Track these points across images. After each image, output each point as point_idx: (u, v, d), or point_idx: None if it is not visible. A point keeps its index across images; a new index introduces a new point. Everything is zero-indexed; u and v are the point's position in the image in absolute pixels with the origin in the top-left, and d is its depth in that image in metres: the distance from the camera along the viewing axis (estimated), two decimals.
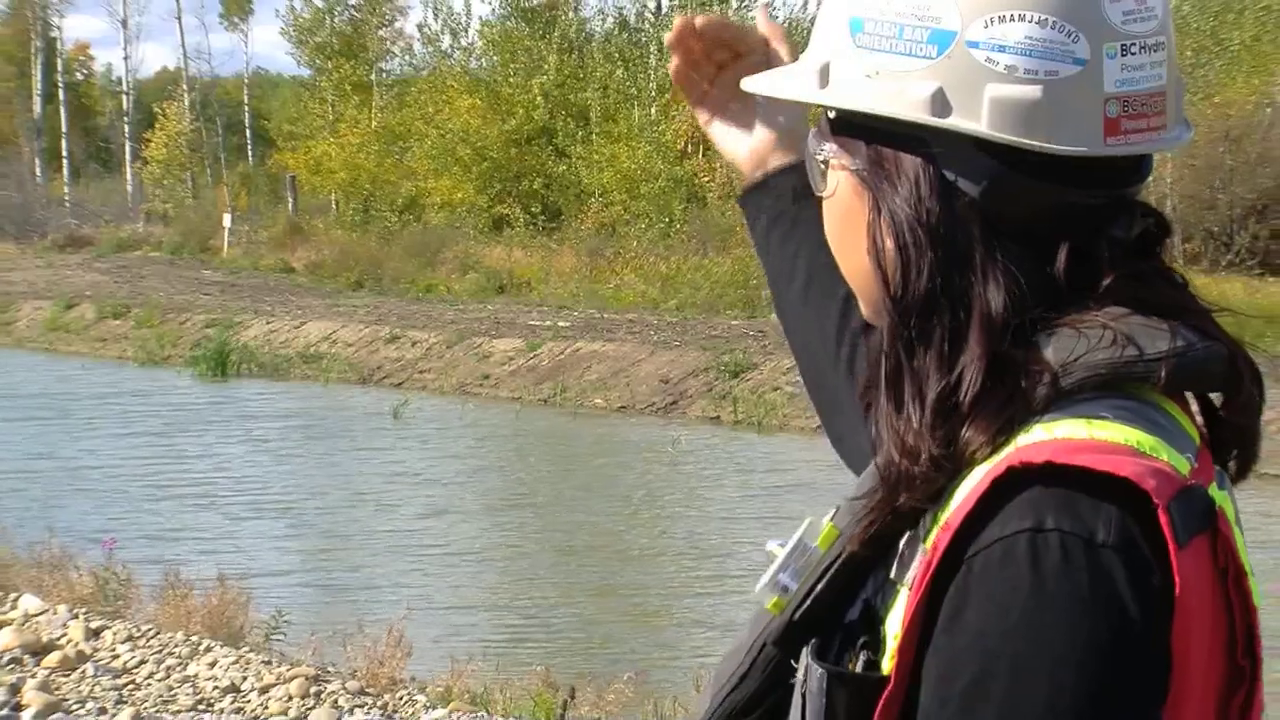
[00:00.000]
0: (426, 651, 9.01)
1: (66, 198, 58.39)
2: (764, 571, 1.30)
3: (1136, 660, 1.13)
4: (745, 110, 1.74)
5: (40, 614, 9.15)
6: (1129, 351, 1.21)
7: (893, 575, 1.22)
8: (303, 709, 7.67)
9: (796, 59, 1.50)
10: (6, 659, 8.26)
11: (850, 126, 1.31)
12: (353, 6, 53.49)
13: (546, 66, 43.14)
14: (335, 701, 7.76)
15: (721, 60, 1.74)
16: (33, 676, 7.93)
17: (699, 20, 1.71)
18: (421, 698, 8.00)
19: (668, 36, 1.74)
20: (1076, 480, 1.14)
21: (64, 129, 65.09)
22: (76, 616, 9.11)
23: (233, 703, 7.81)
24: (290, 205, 47.51)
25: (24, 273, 39.84)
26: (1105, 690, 1.12)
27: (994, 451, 1.20)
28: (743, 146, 1.76)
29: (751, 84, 1.43)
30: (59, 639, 8.68)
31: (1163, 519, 1.14)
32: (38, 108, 67.08)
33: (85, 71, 79.08)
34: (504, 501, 16.95)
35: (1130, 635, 1.13)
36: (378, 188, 45.60)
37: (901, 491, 1.23)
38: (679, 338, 25.06)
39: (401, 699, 7.96)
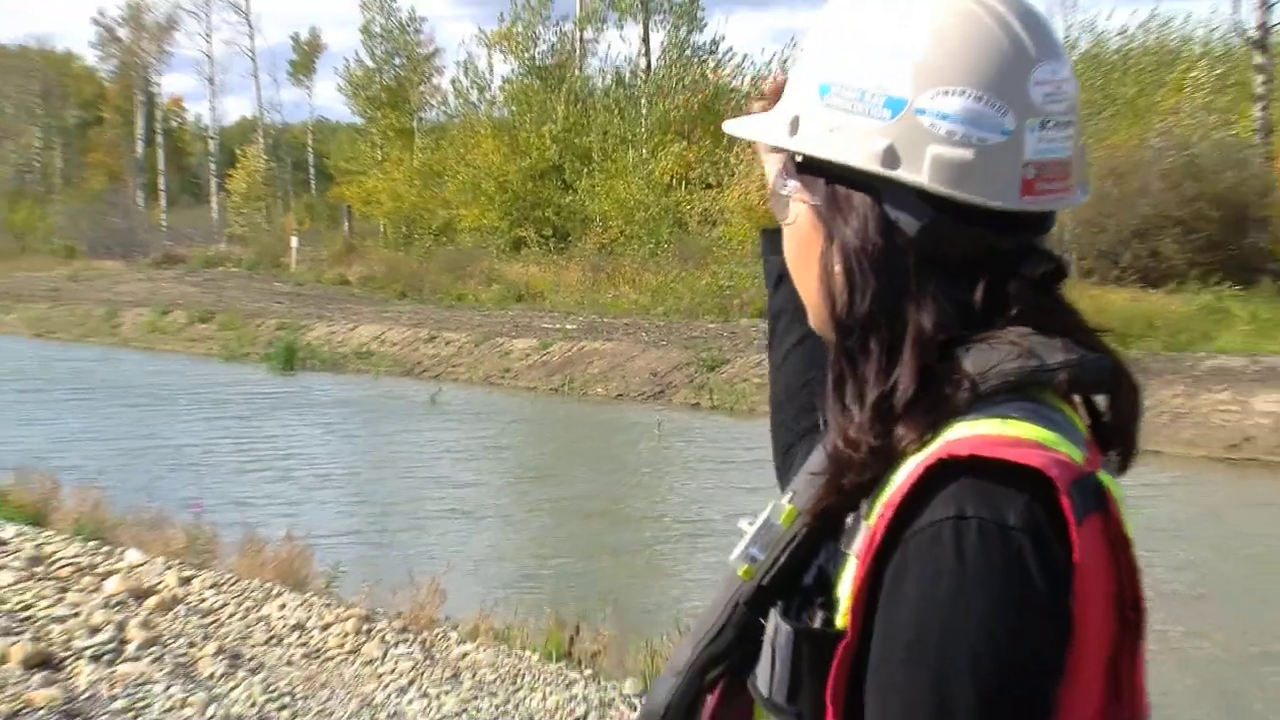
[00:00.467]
0: (458, 597, 9.00)
1: (163, 223, 58.43)
2: (736, 541, 1.32)
3: (1044, 619, 1.15)
4: None
5: (142, 564, 9.15)
6: (1033, 362, 1.23)
7: (843, 547, 1.23)
8: (356, 643, 7.67)
9: None
10: (115, 601, 8.26)
11: (812, 168, 1.32)
12: (398, 66, 53.46)
13: (556, 115, 43.14)
14: (383, 637, 7.76)
15: None
16: (135, 616, 7.93)
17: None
18: (454, 634, 8.00)
19: (767, 89, 1.65)
20: (993, 471, 1.16)
21: (161, 167, 65.19)
22: (171, 567, 9.11)
23: (299, 638, 7.81)
24: (346, 229, 47.54)
25: (129, 285, 39.86)
26: (1019, 644, 1.14)
27: (923, 445, 1.21)
28: None
29: (731, 127, 1.43)
30: (157, 585, 8.68)
31: (1064, 501, 1.16)
32: (140, 149, 67.20)
33: (179, 120, 79.00)
34: (522, 473, 16.95)
35: (1037, 599, 1.14)
36: (418, 215, 45.67)
37: (845, 475, 1.24)
38: (666, 338, 25.08)
39: (437, 635, 7.96)
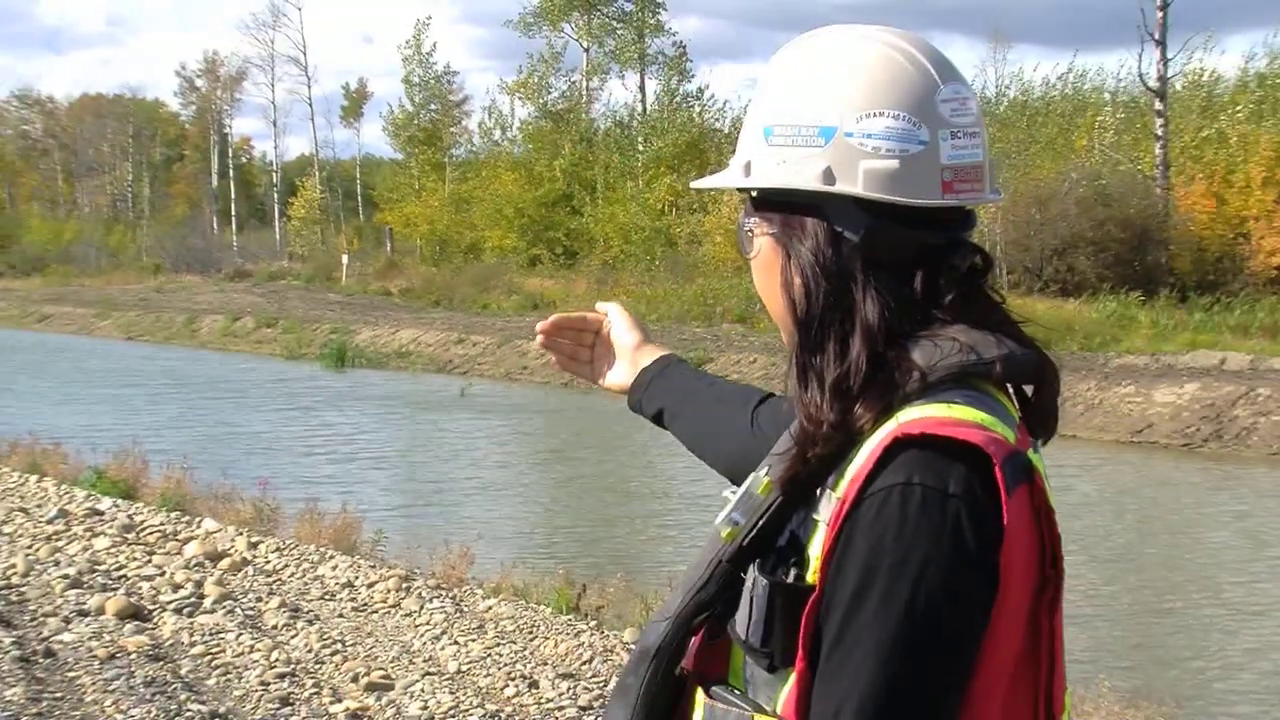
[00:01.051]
0: (484, 560, 9.01)
1: (234, 244, 58.35)
2: (720, 509, 1.33)
3: (974, 571, 1.17)
4: (621, 356, 1.85)
5: (216, 532, 9.15)
6: (972, 357, 1.24)
7: (814, 514, 1.24)
8: (397, 599, 7.67)
9: (631, 323, 1.84)
10: (193, 563, 8.26)
11: (768, 203, 1.33)
12: (433, 110, 53.36)
13: (565, 152, 43.13)
14: (420, 594, 7.76)
15: (588, 340, 1.88)
16: (211, 575, 7.93)
17: (545, 323, 1.85)
18: (480, 591, 8.00)
19: (538, 342, 1.86)
20: (940, 446, 1.18)
21: (232, 196, 65.08)
22: (241, 534, 9.11)
23: (348, 594, 7.81)
24: (388, 248, 47.46)
25: (205, 296, 39.81)
26: (951, 592, 1.16)
27: (877, 425, 1.22)
28: (624, 376, 1.84)
29: (700, 183, 1.45)
30: (229, 549, 8.67)
31: (998, 474, 1.18)
32: (214, 182, 67.13)
33: (247, 156, 78.90)
34: (540, 455, 16.96)
35: (969, 554, 1.17)
36: (449, 236, 45.59)
37: (810, 449, 1.25)
38: (659, 340, 24.92)
39: (465, 592, 7.96)
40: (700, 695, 1.32)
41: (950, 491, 1.17)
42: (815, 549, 1.23)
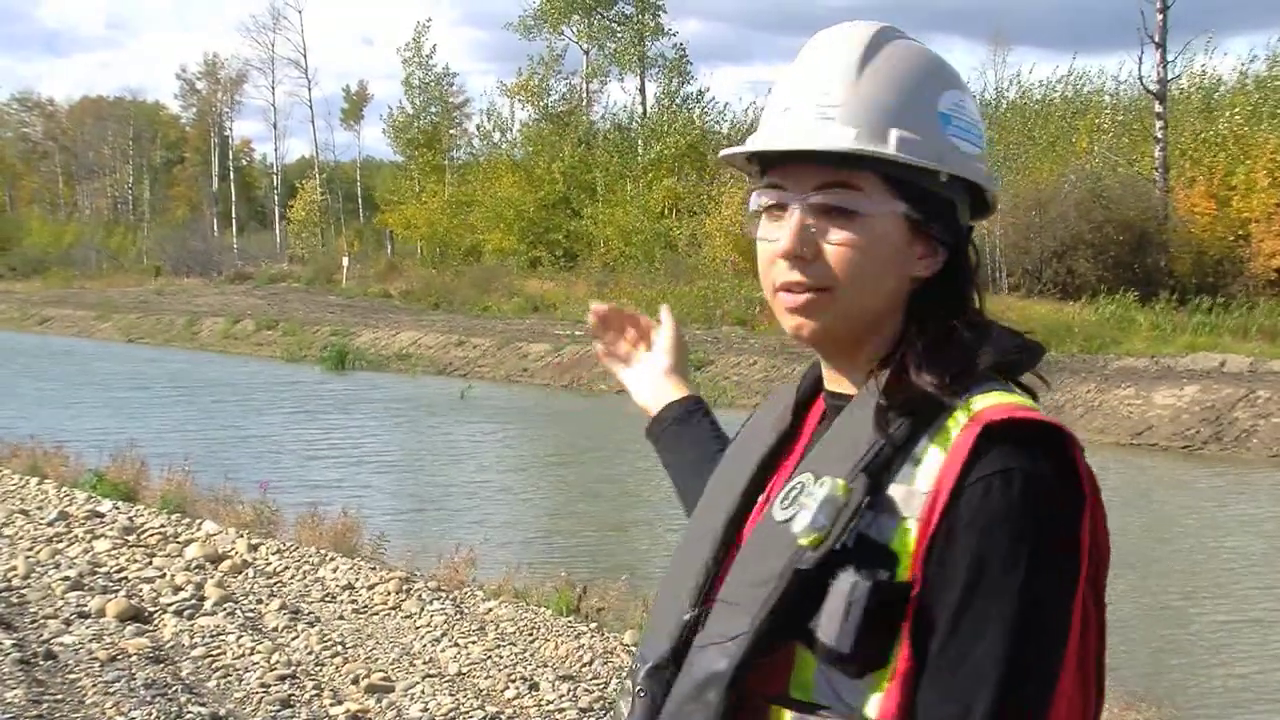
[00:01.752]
0: (484, 561, 9.00)
1: (234, 246, 58.36)
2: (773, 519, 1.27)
3: (1073, 554, 1.20)
4: (652, 373, 1.86)
5: (217, 534, 9.15)
6: (1031, 350, 1.32)
7: (894, 512, 1.21)
8: (397, 601, 7.67)
9: (673, 344, 1.85)
10: (194, 565, 8.26)
11: (900, 184, 1.29)
12: (433, 113, 53.39)
13: (564, 155, 43.15)
14: (420, 596, 7.75)
15: (631, 337, 1.90)
16: (212, 577, 7.93)
17: (601, 307, 1.90)
18: (480, 593, 8.00)
19: (590, 322, 1.90)
20: (1029, 430, 1.20)
21: (233, 198, 65.13)
22: (241, 536, 9.10)
23: (349, 596, 7.81)
24: (388, 250, 47.54)
25: (205, 298, 39.84)
26: (1059, 575, 1.19)
27: (954, 400, 1.24)
28: (646, 396, 1.85)
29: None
30: (229, 551, 8.67)
31: (1078, 454, 1.22)
32: (215, 184, 67.17)
33: (248, 159, 78.94)
34: (540, 457, 16.96)
35: (1069, 537, 1.20)
36: (449, 239, 45.65)
37: (889, 426, 1.24)
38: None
39: (466, 594, 7.96)
40: (784, 713, 1.23)
41: (1047, 475, 1.19)
42: (899, 546, 1.20)
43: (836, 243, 1.28)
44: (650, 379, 1.85)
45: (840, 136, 1.27)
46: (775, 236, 1.31)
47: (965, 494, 1.18)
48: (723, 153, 1.38)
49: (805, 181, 1.29)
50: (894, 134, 1.28)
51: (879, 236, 1.28)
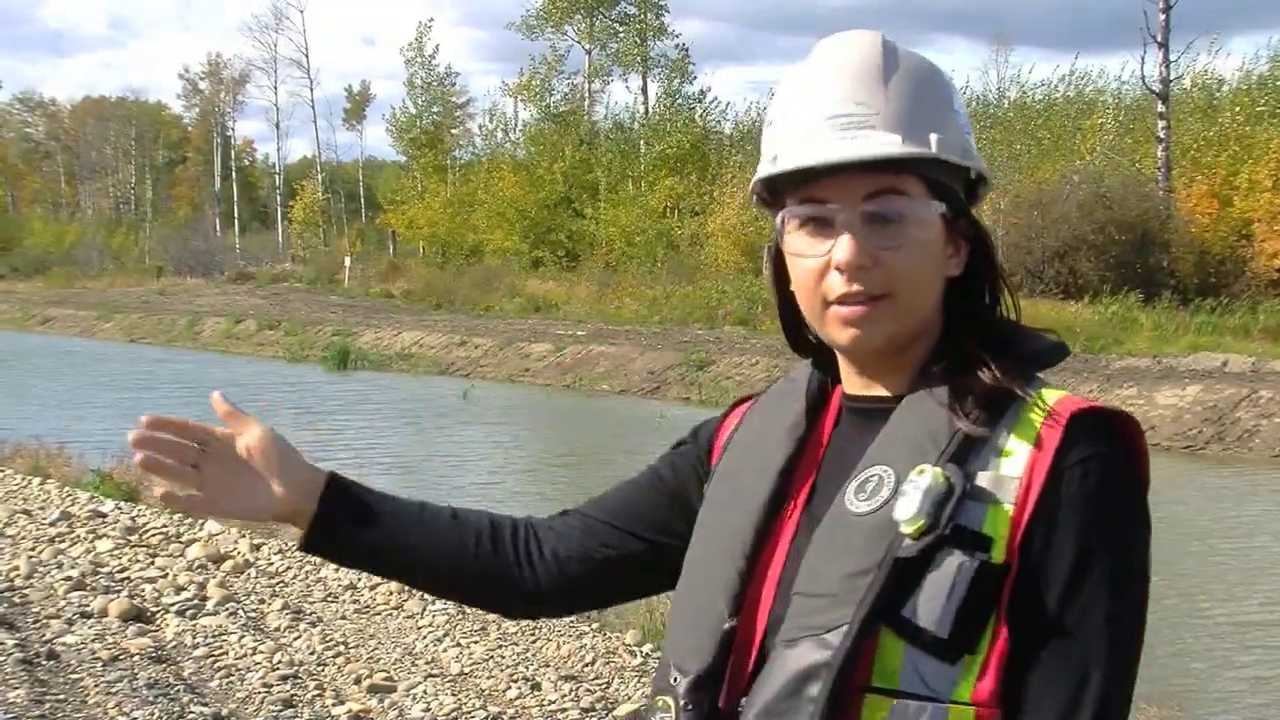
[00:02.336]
0: None
1: (237, 246, 58.43)
2: (863, 509, 1.28)
3: (1148, 523, 1.29)
4: (249, 478, 1.51)
5: (219, 534, 9.15)
6: (1054, 350, 1.37)
7: (985, 496, 1.24)
8: (399, 600, 7.66)
9: (252, 421, 1.48)
10: (196, 565, 8.26)
11: (936, 185, 1.32)
12: (435, 113, 53.46)
13: (566, 155, 43.19)
14: (422, 596, 7.75)
15: (193, 458, 1.47)
16: (214, 577, 7.93)
17: (137, 430, 1.43)
18: None
19: (136, 459, 1.43)
20: (1106, 418, 1.28)
21: (235, 198, 65.21)
22: (244, 536, 9.10)
23: (351, 596, 7.81)
24: (390, 250, 47.58)
25: (207, 298, 39.88)
26: (1142, 544, 1.28)
27: (1016, 389, 1.29)
28: (267, 501, 1.51)
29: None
30: (231, 551, 8.67)
31: (1143, 439, 1.30)
32: (217, 184, 67.25)
33: (250, 159, 79.05)
34: (542, 456, 16.96)
35: (1144, 509, 1.29)
36: (451, 239, 45.71)
37: (969, 413, 1.28)
38: (661, 342, 25.07)
39: None
40: (880, 700, 1.23)
41: (1126, 459, 1.27)
42: (992, 530, 1.23)
43: (892, 249, 1.29)
44: (254, 486, 1.50)
45: (889, 143, 1.28)
46: (820, 251, 1.30)
47: (1064, 478, 1.23)
48: (762, 174, 1.35)
49: (853, 192, 1.29)
50: (934, 137, 1.30)
51: (929, 239, 1.31)
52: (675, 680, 1.35)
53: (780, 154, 1.32)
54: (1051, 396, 1.28)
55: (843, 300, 1.30)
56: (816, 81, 1.32)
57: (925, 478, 1.23)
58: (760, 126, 1.41)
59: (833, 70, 1.32)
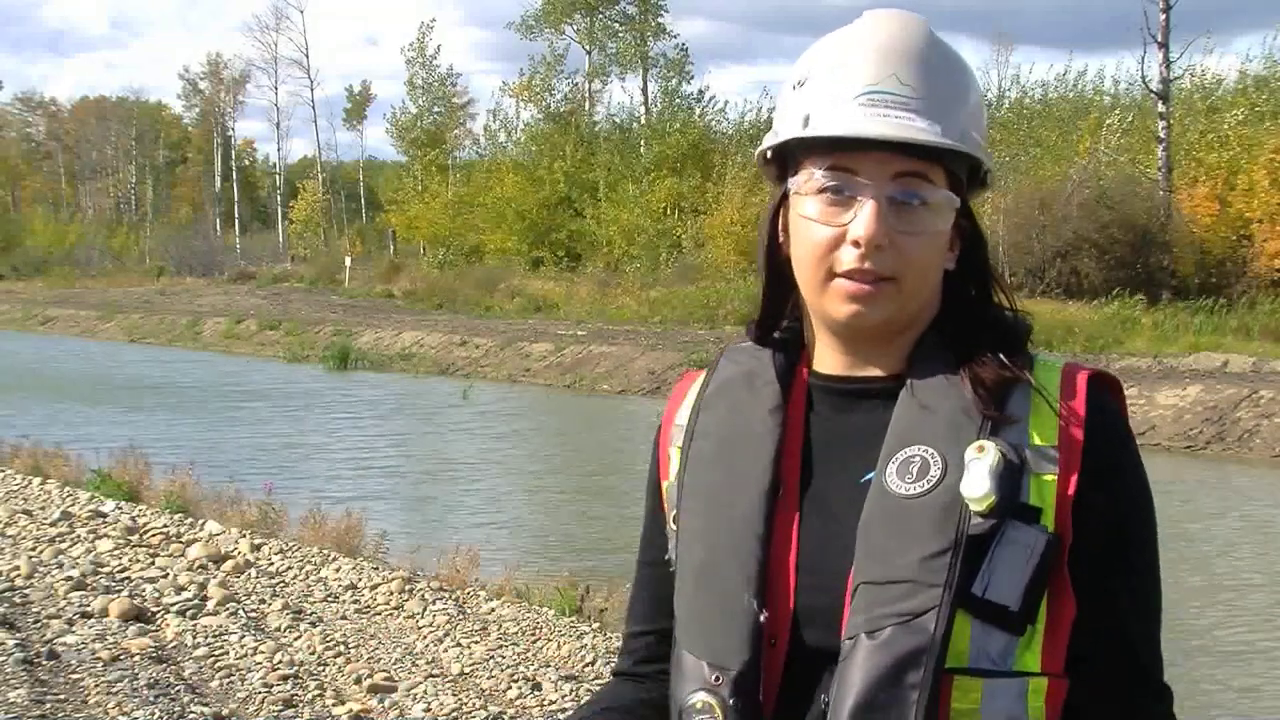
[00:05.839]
0: (487, 561, 8.99)
1: (237, 246, 58.45)
2: (922, 488, 1.28)
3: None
4: None
5: (220, 534, 9.15)
6: (1025, 322, 1.39)
7: (1036, 470, 1.26)
8: (400, 601, 7.67)
9: None
10: (197, 565, 8.26)
11: (953, 176, 1.32)
12: (436, 113, 53.48)
13: (566, 155, 43.19)
14: (422, 596, 7.75)
15: None
16: (214, 577, 7.93)
17: None
18: (483, 593, 8.00)
19: None
20: (1105, 379, 1.34)
21: (235, 198, 65.25)
22: (244, 536, 9.11)
23: (351, 596, 7.81)
24: (391, 251, 47.60)
25: (208, 298, 39.90)
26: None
27: (1020, 370, 1.32)
28: None
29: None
30: (232, 551, 8.68)
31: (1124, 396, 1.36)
32: (218, 184, 67.26)
33: (250, 159, 79.01)
34: (542, 456, 16.94)
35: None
36: (452, 239, 45.68)
37: (994, 393, 1.30)
38: (662, 342, 25.06)
39: (469, 594, 7.96)
40: (969, 681, 1.23)
41: (1124, 408, 1.35)
42: (1039, 500, 1.25)
43: (909, 234, 1.28)
44: None
45: (930, 129, 1.27)
46: (838, 221, 1.28)
47: (1098, 441, 1.28)
48: (791, 134, 1.32)
49: (884, 169, 1.28)
50: (971, 132, 1.31)
51: (941, 230, 1.31)
52: (718, 680, 1.32)
53: (814, 116, 1.29)
54: (1053, 365, 1.33)
55: (850, 275, 1.28)
56: (862, 52, 1.30)
57: (989, 455, 1.24)
58: (761, 122, 1.41)
59: (879, 45, 1.30)
